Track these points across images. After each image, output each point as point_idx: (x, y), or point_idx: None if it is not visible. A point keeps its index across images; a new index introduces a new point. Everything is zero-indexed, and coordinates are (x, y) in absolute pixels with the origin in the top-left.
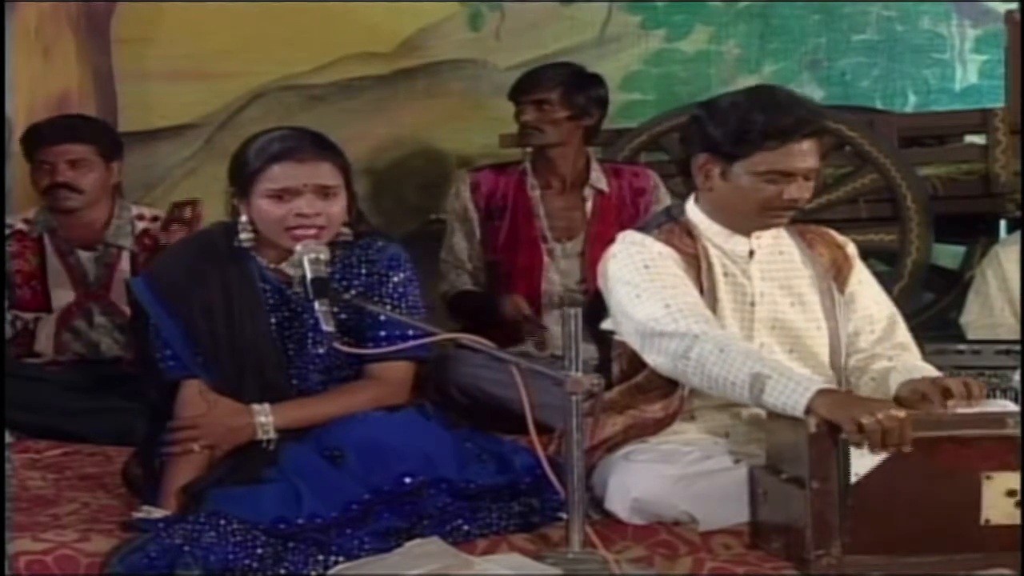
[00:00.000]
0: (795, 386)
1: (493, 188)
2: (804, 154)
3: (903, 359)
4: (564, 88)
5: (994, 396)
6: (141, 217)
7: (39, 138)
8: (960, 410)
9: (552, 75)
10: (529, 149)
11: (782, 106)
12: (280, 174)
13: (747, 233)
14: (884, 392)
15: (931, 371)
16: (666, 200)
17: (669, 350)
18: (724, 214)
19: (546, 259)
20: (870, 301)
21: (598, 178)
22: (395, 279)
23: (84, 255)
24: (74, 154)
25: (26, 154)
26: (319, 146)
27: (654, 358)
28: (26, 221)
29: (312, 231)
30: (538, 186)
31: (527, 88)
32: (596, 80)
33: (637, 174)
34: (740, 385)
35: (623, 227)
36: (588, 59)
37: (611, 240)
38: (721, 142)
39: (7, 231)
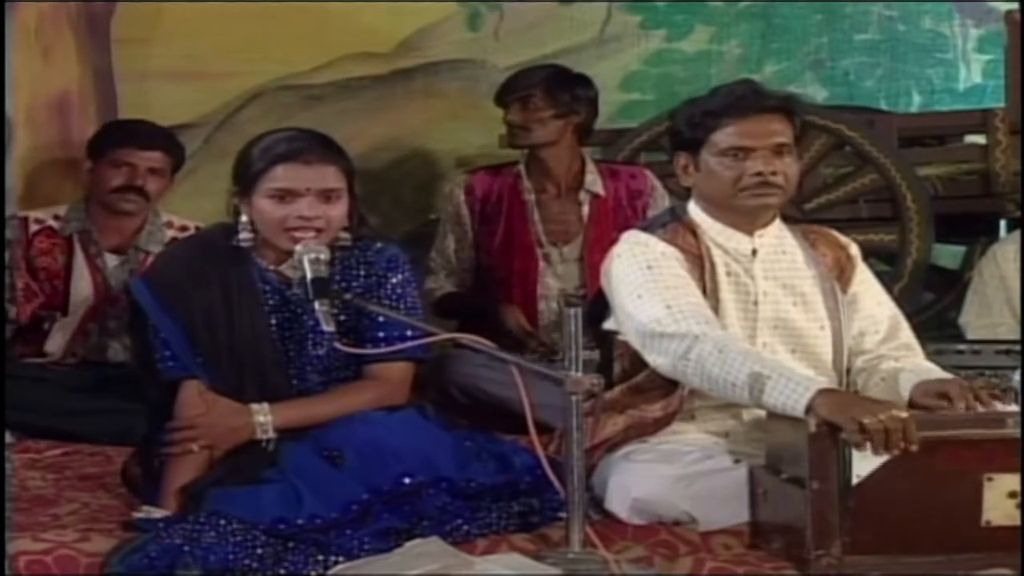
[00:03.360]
0: (795, 386)
1: (488, 191)
2: (764, 127)
3: (909, 360)
4: (547, 85)
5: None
6: (170, 224)
7: (126, 138)
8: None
9: (535, 74)
10: (525, 151)
11: (736, 90)
12: (284, 175)
13: (749, 231)
14: (894, 393)
15: (939, 372)
16: (664, 202)
17: (670, 351)
18: (712, 207)
19: (542, 264)
20: (873, 302)
21: (594, 181)
22: (394, 280)
23: (111, 259)
24: (158, 162)
25: (99, 149)
26: (326, 149)
27: (655, 358)
28: (57, 218)
29: (311, 233)
30: (532, 189)
31: (511, 88)
32: (581, 79)
33: (634, 175)
34: (740, 386)
35: (621, 230)
36: (588, 59)
37: (609, 244)
38: (683, 132)
39: (35, 226)
